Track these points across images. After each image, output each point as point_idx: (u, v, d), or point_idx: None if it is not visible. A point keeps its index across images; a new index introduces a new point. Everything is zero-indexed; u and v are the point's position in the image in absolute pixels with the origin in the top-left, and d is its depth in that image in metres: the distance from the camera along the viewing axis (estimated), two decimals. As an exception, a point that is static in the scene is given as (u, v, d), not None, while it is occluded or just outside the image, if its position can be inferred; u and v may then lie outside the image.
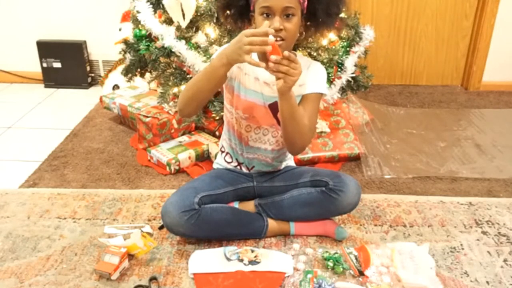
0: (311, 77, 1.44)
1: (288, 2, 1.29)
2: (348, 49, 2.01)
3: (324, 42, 1.93)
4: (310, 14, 1.37)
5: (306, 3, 1.35)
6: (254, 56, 1.31)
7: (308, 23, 1.39)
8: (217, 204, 1.46)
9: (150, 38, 1.97)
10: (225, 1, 1.40)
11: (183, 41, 1.88)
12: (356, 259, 1.40)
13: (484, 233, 1.57)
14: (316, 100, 1.44)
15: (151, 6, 1.97)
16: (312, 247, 1.48)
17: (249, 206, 1.56)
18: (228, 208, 1.49)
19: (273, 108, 1.42)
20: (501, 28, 2.80)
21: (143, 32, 1.97)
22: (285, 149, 1.54)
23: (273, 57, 1.17)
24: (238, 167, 1.59)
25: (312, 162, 2.00)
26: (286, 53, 1.17)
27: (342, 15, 2.01)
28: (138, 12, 1.98)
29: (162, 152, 1.98)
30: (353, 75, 2.02)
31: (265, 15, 1.31)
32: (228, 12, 1.41)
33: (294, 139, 1.36)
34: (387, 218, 1.65)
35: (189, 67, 1.89)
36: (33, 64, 2.99)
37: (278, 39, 1.29)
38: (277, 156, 1.55)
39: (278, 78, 1.20)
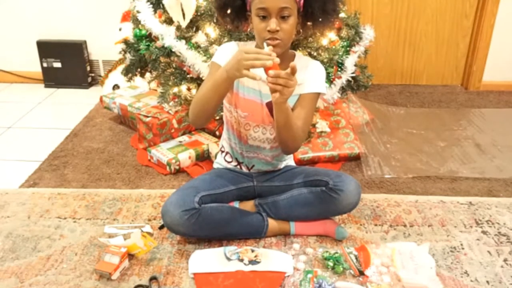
0: (310, 76, 1.44)
1: (284, 3, 1.29)
2: (348, 49, 2.00)
3: (324, 42, 1.93)
4: (307, 12, 1.37)
5: (302, 1, 1.35)
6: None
7: (306, 21, 1.40)
8: (217, 204, 1.46)
9: (150, 38, 1.97)
10: (222, 1, 1.40)
11: (183, 41, 1.88)
12: (356, 259, 1.40)
13: (484, 232, 1.57)
14: (313, 100, 1.45)
15: (151, 6, 1.97)
16: (312, 247, 1.48)
17: (249, 205, 1.56)
18: (228, 208, 1.50)
19: (270, 107, 1.42)
20: (501, 28, 2.80)
21: (143, 32, 1.97)
22: None
23: (271, 72, 1.18)
24: (238, 166, 1.59)
25: (312, 162, 2.00)
26: (282, 72, 1.18)
27: (343, 14, 2.02)
28: (138, 12, 1.98)
29: (162, 152, 1.98)
30: (353, 75, 2.02)
31: (261, 16, 1.31)
32: (225, 12, 1.42)
33: (287, 142, 1.39)
34: (387, 218, 1.65)
35: (189, 67, 1.89)
36: (33, 64, 2.99)
37: (275, 39, 1.32)
38: (276, 154, 1.55)
39: (273, 91, 1.21)
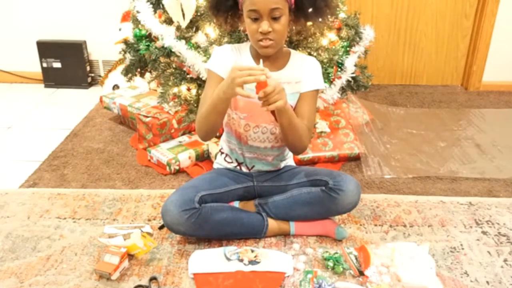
0: (307, 73, 1.45)
1: (275, 4, 1.29)
2: (348, 49, 2.00)
3: (324, 42, 1.93)
4: (299, 9, 1.37)
5: None
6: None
7: (298, 18, 1.39)
8: (217, 204, 1.46)
9: (150, 38, 1.97)
10: (214, 2, 1.41)
11: (183, 41, 1.88)
12: (356, 259, 1.40)
13: (484, 233, 1.57)
14: (313, 97, 1.46)
15: (151, 6, 1.97)
16: (312, 247, 1.48)
17: (249, 205, 1.56)
18: (229, 207, 1.50)
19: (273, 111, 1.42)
20: (501, 28, 2.80)
21: (143, 32, 1.97)
22: (285, 147, 1.55)
23: (260, 94, 1.21)
24: (238, 167, 1.59)
25: (312, 162, 2.00)
26: (269, 88, 1.20)
27: (343, 15, 2.02)
28: (138, 12, 1.98)
29: (162, 152, 1.98)
30: (353, 75, 2.02)
31: (252, 18, 1.32)
32: (218, 12, 1.42)
33: (294, 143, 1.42)
34: (387, 218, 1.65)
35: (189, 67, 1.89)
36: (33, 64, 2.99)
37: (268, 40, 1.33)
38: (277, 154, 1.55)
39: (267, 105, 1.23)
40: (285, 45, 1.73)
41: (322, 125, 2.11)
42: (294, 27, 1.44)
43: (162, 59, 1.96)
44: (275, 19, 1.31)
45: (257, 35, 1.33)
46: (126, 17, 2.57)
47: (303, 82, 1.44)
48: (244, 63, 1.44)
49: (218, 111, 1.35)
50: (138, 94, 2.38)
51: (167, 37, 1.89)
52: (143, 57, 2.04)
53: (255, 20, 1.32)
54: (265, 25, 1.30)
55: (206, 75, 1.86)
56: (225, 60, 1.43)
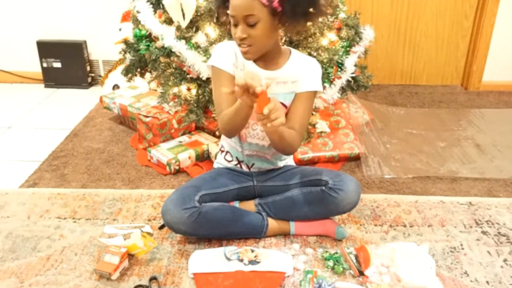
0: (305, 74, 1.44)
1: (247, 11, 1.28)
2: (348, 49, 2.01)
3: (324, 42, 1.93)
4: (284, 12, 1.31)
5: (275, 2, 1.28)
6: None
7: (284, 20, 1.34)
8: (217, 203, 1.46)
9: (150, 38, 1.97)
10: (217, 4, 1.41)
11: (183, 41, 1.88)
12: (356, 259, 1.40)
13: (484, 233, 1.57)
14: (309, 98, 1.45)
15: (151, 6, 1.97)
16: (312, 247, 1.48)
17: (249, 205, 1.56)
18: (229, 207, 1.50)
19: None
20: (501, 28, 2.80)
21: (143, 32, 1.97)
22: None
23: (265, 111, 1.15)
24: (238, 165, 1.59)
25: (312, 162, 2.00)
26: (272, 104, 1.16)
27: (343, 15, 2.02)
28: (138, 12, 1.98)
29: (162, 152, 1.98)
30: (353, 75, 2.02)
31: (233, 23, 1.33)
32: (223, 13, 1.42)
33: (283, 149, 1.43)
34: (387, 218, 1.65)
35: (189, 67, 1.89)
36: (33, 64, 3.00)
37: (245, 45, 1.32)
38: (275, 152, 1.55)
39: (265, 123, 1.19)
40: (284, 45, 1.73)
41: (322, 125, 2.11)
42: (282, 30, 1.39)
43: (162, 59, 1.97)
44: (251, 25, 1.30)
45: (237, 40, 1.34)
46: (126, 17, 2.57)
47: (299, 82, 1.44)
48: (241, 61, 1.44)
49: (241, 116, 1.33)
50: (138, 94, 2.38)
51: (167, 37, 1.89)
52: (143, 57, 2.04)
53: (235, 25, 1.32)
54: (239, 31, 1.30)
55: (206, 74, 1.87)
56: (227, 55, 1.43)
